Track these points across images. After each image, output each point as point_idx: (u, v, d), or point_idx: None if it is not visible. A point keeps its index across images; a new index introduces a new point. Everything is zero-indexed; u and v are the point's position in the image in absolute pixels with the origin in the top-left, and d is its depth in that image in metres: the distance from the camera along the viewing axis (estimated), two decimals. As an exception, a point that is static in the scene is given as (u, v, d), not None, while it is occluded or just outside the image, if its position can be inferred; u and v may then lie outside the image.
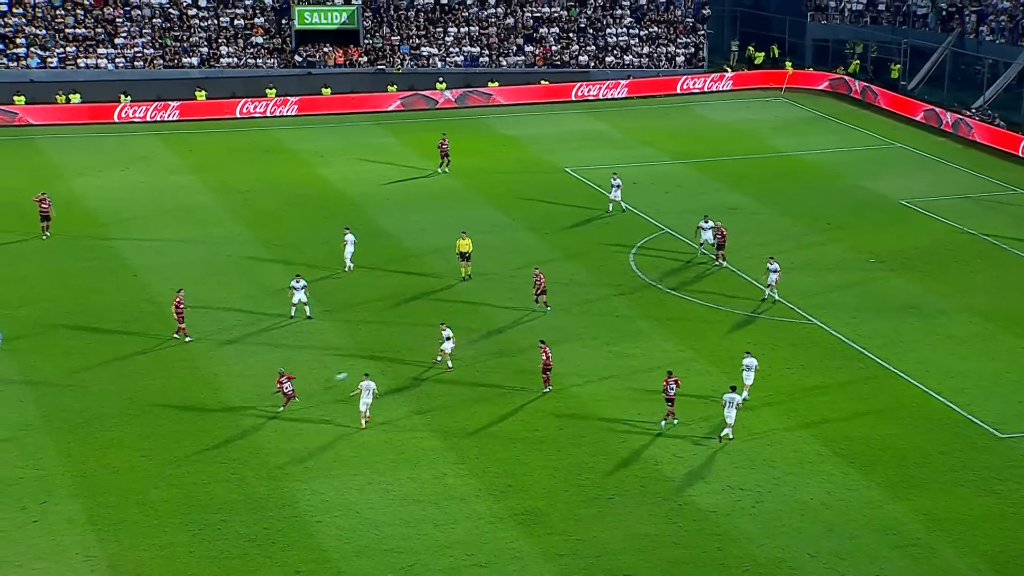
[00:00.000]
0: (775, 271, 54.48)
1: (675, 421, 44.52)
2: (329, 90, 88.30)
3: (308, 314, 52.85)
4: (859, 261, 60.12)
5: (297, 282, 52.69)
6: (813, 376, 48.46)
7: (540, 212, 66.86)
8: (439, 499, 40.09)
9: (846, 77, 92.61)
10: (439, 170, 73.49)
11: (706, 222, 59.74)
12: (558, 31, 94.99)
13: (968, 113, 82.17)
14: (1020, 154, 76.32)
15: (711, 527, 38.74)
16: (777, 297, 54.80)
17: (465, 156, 76.42)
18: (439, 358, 48.90)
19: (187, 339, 50.80)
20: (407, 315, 53.69)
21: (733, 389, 43.91)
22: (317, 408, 45.60)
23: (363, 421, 44.44)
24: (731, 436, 43.47)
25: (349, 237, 58.35)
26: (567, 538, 38.17)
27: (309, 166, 75.12)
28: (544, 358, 46.97)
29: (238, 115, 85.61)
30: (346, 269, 57.96)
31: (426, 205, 67.74)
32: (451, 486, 40.83)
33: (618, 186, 66.16)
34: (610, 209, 66.23)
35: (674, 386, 44.06)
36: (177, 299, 50.88)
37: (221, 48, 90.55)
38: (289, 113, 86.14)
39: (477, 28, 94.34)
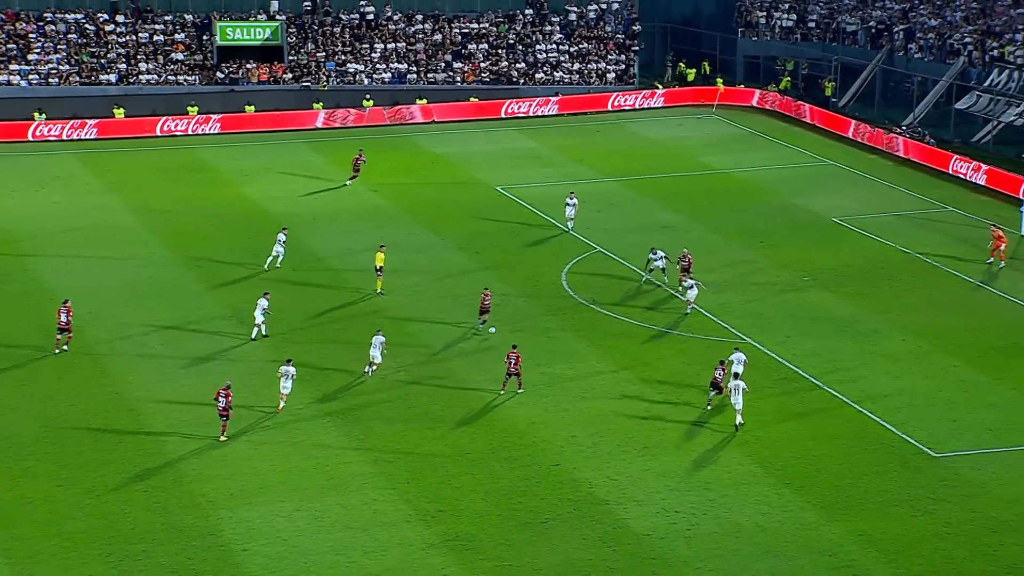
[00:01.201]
0: (690, 287, 55.03)
1: (709, 405, 46.55)
2: (253, 107, 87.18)
3: (253, 336, 52.03)
4: (792, 279, 59.83)
5: (264, 299, 51.89)
6: (747, 395, 47.88)
7: (470, 231, 66.13)
8: (369, 525, 39.22)
9: (778, 94, 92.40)
10: (347, 182, 73.10)
11: (654, 253, 58.72)
12: (487, 47, 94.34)
13: (899, 131, 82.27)
14: (950, 172, 76.45)
15: (646, 551, 38.15)
16: (692, 309, 55.11)
17: (394, 174, 75.73)
18: (368, 369, 48.65)
19: (56, 351, 50.22)
20: (335, 334, 52.89)
21: (736, 376, 45.27)
22: (243, 433, 44.50)
23: (280, 404, 45.59)
24: (742, 421, 45.14)
25: (280, 237, 59.29)
26: (500, 564, 37.43)
27: (233, 185, 74.03)
28: (508, 364, 47.10)
29: (158, 133, 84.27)
30: (265, 268, 58.71)
31: (353, 224, 66.86)
32: (381, 512, 39.99)
33: (573, 205, 65.58)
34: (568, 227, 65.68)
35: (721, 372, 46.26)
36: (65, 310, 50.13)
37: (140, 64, 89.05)
38: (212, 131, 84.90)
39: (404, 44, 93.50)
